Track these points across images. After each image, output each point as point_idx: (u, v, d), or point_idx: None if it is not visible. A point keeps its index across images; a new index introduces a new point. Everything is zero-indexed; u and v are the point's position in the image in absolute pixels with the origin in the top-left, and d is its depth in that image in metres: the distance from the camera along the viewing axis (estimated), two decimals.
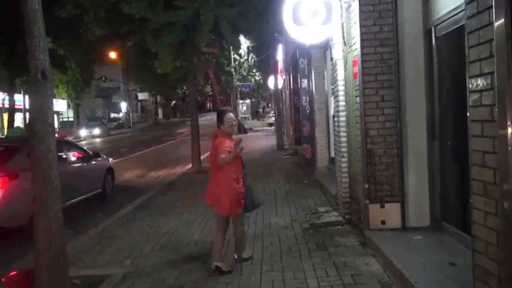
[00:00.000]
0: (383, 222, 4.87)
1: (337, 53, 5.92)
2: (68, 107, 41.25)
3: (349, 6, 5.34)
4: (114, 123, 46.78)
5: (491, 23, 2.27)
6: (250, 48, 25.74)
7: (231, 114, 4.50)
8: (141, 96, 55.48)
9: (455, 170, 4.35)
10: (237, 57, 25.77)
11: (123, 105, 51.56)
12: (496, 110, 2.28)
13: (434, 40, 4.56)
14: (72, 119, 40.80)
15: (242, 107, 37.31)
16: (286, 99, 18.50)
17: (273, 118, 24.88)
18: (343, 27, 5.60)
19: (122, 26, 10.74)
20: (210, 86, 30.27)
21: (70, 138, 34.22)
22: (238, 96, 32.73)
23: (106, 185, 9.28)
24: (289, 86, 16.25)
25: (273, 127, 24.38)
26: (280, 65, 18.14)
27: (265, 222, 6.25)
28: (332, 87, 6.74)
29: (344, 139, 6.04)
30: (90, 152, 9.24)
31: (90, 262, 4.99)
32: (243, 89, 32.47)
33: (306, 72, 9.96)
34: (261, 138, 23.63)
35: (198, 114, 13.71)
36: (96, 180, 8.90)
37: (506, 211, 2.24)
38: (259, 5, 10.57)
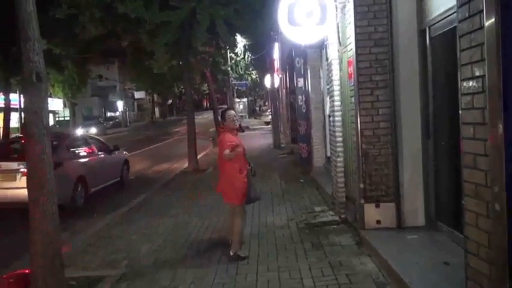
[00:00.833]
0: (378, 222, 4.90)
1: (332, 53, 5.94)
2: (64, 106, 41.06)
3: (344, 6, 5.36)
4: (111, 122, 46.63)
5: (482, 27, 2.30)
6: (246, 47, 25.69)
7: (232, 111, 5.03)
8: (138, 95, 55.31)
9: (450, 169, 4.38)
10: (233, 56, 25.72)
11: (120, 104, 51.41)
12: (487, 112, 2.30)
13: (429, 40, 4.59)
14: (68, 118, 40.64)
15: (239, 105, 37.37)
16: (283, 98, 18.52)
17: (270, 117, 24.89)
18: (338, 28, 5.63)
19: (118, 26, 10.71)
20: (206, 85, 30.21)
21: None
22: (235, 94, 32.72)
23: (123, 175, 10.54)
24: (286, 84, 16.27)
25: (269, 126, 24.40)
26: (277, 64, 18.14)
27: (262, 222, 6.27)
28: (327, 87, 6.76)
29: (339, 139, 6.07)
30: (110, 146, 10.37)
31: (87, 263, 5.00)
32: (239, 88, 32.45)
33: (302, 72, 9.98)
34: (257, 136, 23.64)
35: (195, 112, 13.71)
36: (115, 170, 10.18)
37: (497, 213, 2.27)
38: (255, 3, 10.56)
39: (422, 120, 4.79)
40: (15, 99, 27.55)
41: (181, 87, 39.47)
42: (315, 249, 4.86)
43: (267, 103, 49.84)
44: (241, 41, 22.23)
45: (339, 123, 6.06)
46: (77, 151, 8.79)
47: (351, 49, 5.05)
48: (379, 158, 4.89)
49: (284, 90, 17.56)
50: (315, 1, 5.41)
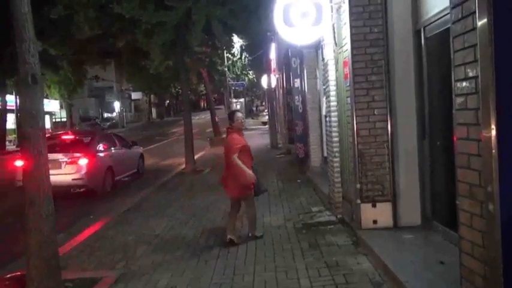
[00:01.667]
0: (375, 222, 4.92)
1: (328, 53, 5.96)
2: (61, 107, 40.94)
3: (340, 7, 5.37)
4: (108, 123, 46.52)
5: (475, 28, 2.31)
6: (243, 47, 25.71)
7: (240, 113, 5.52)
8: (135, 95, 55.25)
9: (445, 169, 4.40)
10: (230, 56, 25.73)
11: (117, 105, 51.29)
12: (481, 113, 2.32)
13: (424, 41, 4.61)
14: (65, 119, 40.53)
15: (236, 105, 37.28)
16: (280, 98, 18.53)
17: (267, 117, 24.91)
18: (333, 28, 5.64)
19: (113, 26, 10.69)
20: (203, 85, 30.20)
21: None
22: (232, 95, 32.72)
23: (139, 167, 12.36)
24: (282, 85, 16.28)
25: (266, 126, 24.42)
26: (274, 64, 18.15)
27: (259, 222, 6.25)
28: (324, 87, 6.78)
29: (336, 139, 6.08)
30: (130, 142, 12.24)
31: (83, 264, 4.99)
32: (236, 88, 32.45)
33: (299, 72, 10.00)
34: (254, 137, 23.63)
35: (192, 113, 13.70)
36: (134, 163, 12.02)
37: (491, 213, 2.28)
38: (250, 4, 10.57)
39: (417, 120, 4.81)
40: (12, 100, 27.47)
41: (178, 87, 39.47)
42: (312, 249, 4.87)
43: (264, 103, 49.87)
44: (237, 42, 22.25)
45: (335, 124, 6.07)
46: (106, 146, 10.56)
47: (347, 49, 5.07)
48: (375, 158, 4.90)
49: (281, 91, 17.57)
50: (310, 2, 5.43)
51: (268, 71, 20.04)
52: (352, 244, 4.92)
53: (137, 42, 11.05)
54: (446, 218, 4.39)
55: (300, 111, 10.13)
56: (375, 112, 4.88)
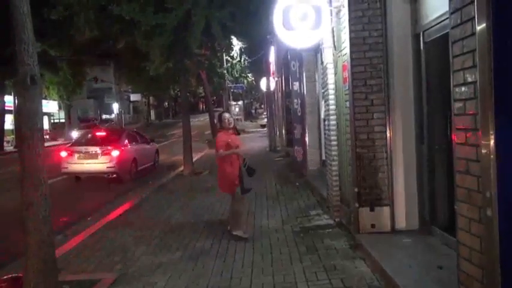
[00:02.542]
0: (373, 226, 4.92)
1: (328, 57, 5.97)
2: (59, 108, 40.87)
3: (339, 11, 5.38)
4: (106, 124, 46.43)
5: (474, 33, 2.32)
6: (242, 50, 25.73)
7: (227, 114, 5.83)
8: (134, 97, 55.23)
9: (444, 174, 4.41)
10: (229, 58, 25.75)
11: (115, 106, 51.22)
12: (479, 118, 2.32)
13: (423, 45, 4.62)
14: (63, 120, 40.45)
15: (235, 108, 37.35)
16: (279, 101, 18.54)
17: (266, 119, 24.93)
18: (333, 32, 5.65)
19: (113, 28, 10.69)
20: (202, 87, 30.22)
21: (61, 140, 34.09)
22: (231, 97, 32.73)
23: (155, 160, 14.30)
24: (281, 88, 16.30)
25: (265, 128, 24.43)
26: (273, 67, 18.17)
27: (257, 225, 6.27)
28: (323, 90, 6.78)
29: (334, 143, 6.08)
30: (148, 139, 14.37)
31: (81, 266, 4.97)
32: (235, 90, 32.48)
33: (298, 75, 10.00)
34: (253, 139, 23.64)
35: (191, 115, 13.70)
36: (151, 156, 13.95)
37: (489, 218, 2.28)
38: (251, 6, 10.59)
39: (416, 125, 4.82)
40: (10, 101, 27.42)
41: (177, 89, 39.45)
42: (310, 253, 4.87)
43: (262, 106, 49.92)
44: (237, 44, 22.27)
45: (334, 127, 6.07)
46: (131, 141, 12.59)
47: (346, 53, 5.08)
48: (373, 162, 4.91)
49: (280, 93, 17.58)
50: (309, 5, 5.43)
51: (267, 73, 20.05)
52: (350, 248, 4.91)
53: (137, 44, 11.04)
54: (445, 222, 4.39)
55: (299, 114, 10.13)
56: (374, 116, 4.88)
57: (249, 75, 30.75)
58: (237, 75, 28.70)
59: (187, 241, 5.67)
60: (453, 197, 2.74)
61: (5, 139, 27.65)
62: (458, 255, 2.69)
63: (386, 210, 4.88)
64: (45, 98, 33.03)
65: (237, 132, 6.35)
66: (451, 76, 2.62)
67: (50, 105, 37.95)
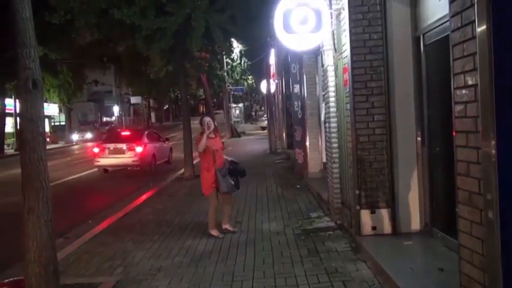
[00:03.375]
0: (374, 228, 4.92)
1: (328, 59, 5.98)
2: (60, 111, 40.94)
3: (339, 14, 5.40)
4: (107, 127, 46.48)
5: (474, 37, 2.33)
6: (243, 53, 25.79)
7: (207, 118, 6.10)
8: (134, 100, 55.24)
9: (445, 175, 4.41)
10: (229, 61, 25.80)
11: (116, 109, 51.28)
12: (480, 121, 2.33)
13: (423, 48, 4.64)
14: (64, 123, 40.51)
15: (235, 110, 37.36)
16: (279, 104, 18.56)
17: (266, 122, 24.95)
18: (333, 35, 5.67)
19: (113, 32, 10.70)
20: (202, 90, 30.27)
21: (62, 143, 34.09)
22: (231, 99, 32.76)
23: (169, 157, 16.00)
24: (282, 90, 16.33)
25: (265, 131, 24.44)
26: (273, 69, 18.20)
27: (258, 228, 6.27)
28: (323, 93, 6.79)
29: (335, 145, 6.09)
30: (164, 138, 16.17)
31: (81, 270, 4.97)
32: (235, 93, 32.50)
33: (298, 77, 10.02)
34: (253, 142, 23.66)
35: (191, 117, 13.71)
36: (166, 153, 15.73)
37: (490, 220, 2.29)
38: (250, 10, 10.61)
39: (417, 127, 4.83)
40: (11, 104, 27.47)
41: (178, 92, 39.49)
42: (311, 256, 4.86)
43: (263, 108, 49.94)
44: (237, 47, 22.31)
45: (335, 130, 6.08)
46: (151, 139, 14.57)
47: (346, 56, 5.09)
48: (374, 164, 4.91)
49: (280, 96, 17.61)
50: (310, 8, 5.45)
51: (267, 76, 20.08)
52: (351, 250, 4.91)
53: (137, 48, 11.05)
54: (446, 224, 4.39)
55: (299, 116, 10.15)
56: (374, 118, 4.89)
57: (249, 77, 30.80)
58: (237, 78, 28.76)
59: (187, 244, 5.67)
60: (454, 199, 2.75)
61: (5, 142, 27.67)
62: (460, 257, 2.69)
63: (387, 212, 4.88)
64: (46, 101, 33.05)
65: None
66: (452, 79, 2.63)
67: (51, 108, 38.04)
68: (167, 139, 16.42)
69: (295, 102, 10.25)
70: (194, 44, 10.10)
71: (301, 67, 9.64)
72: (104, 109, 51.92)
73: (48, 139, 30.39)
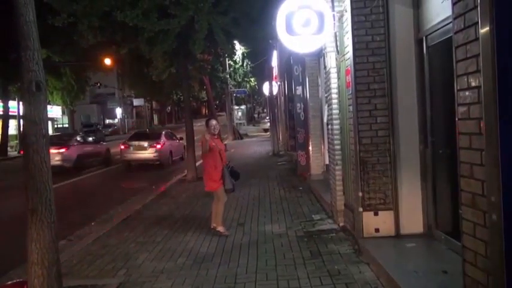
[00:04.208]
0: (377, 230, 4.90)
1: (330, 61, 5.98)
2: (63, 113, 41.07)
3: (342, 16, 5.40)
4: (109, 129, 46.59)
5: (477, 38, 2.32)
6: (245, 54, 25.81)
7: (213, 121, 6.35)
8: (136, 102, 55.33)
9: (448, 178, 4.39)
10: (232, 63, 25.83)
11: (118, 111, 51.43)
12: (483, 123, 2.32)
13: (426, 49, 4.63)
14: (67, 125, 40.63)
15: (237, 112, 37.37)
16: (281, 106, 18.56)
17: (268, 124, 24.94)
18: (336, 37, 5.66)
19: (116, 34, 10.73)
20: (205, 92, 30.29)
21: None
22: (234, 101, 32.77)
23: (183, 154, 17.42)
24: (284, 92, 16.32)
25: (268, 133, 24.44)
26: (275, 71, 18.20)
27: (260, 230, 6.27)
28: (326, 95, 6.79)
29: (338, 147, 6.08)
30: (178, 137, 18.12)
31: (84, 272, 4.98)
32: (238, 95, 32.52)
33: (301, 80, 10.02)
34: (256, 144, 23.65)
35: (193, 119, 13.74)
36: (180, 151, 17.76)
37: (494, 222, 2.28)
38: (253, 12, 10.62)
39: (420, 129, 4.81)
40: (14, 106, 27.57)
41: (180, 94, 39.54)
42: (314, 258, 4.86)
43: (265, 110, 49.93)
44: (239, 49, 22.34)
45: (337, 131, 6.08)
46: (168, 138, 16.89)
47: (349, 58, 5.09)
48: (377, 166, 4.90)
49: (282, 98, 17.60)
50: (312, 11, 5.46)
51: (270, 78, 20.09)
52: (354, 253, 4.90)
53: (140, 50, 11.06)
54: (449, 226, 4.38)
55: (302, 118, 10.14)
56: (377, 120, 4.88)
57: (252, 79, 30.81)
58: (239, 80, 28.77)
59: (190, 246, 5.67)
60: (457, 201, 2.74)
61: (9, 144, 27.76)
62: (463, 259, 2.68)
63: (390, 214, 4.87)
64: (49, 103, 33.18)
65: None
66: (455, 81, 2.63)
67: (54, 111, 38.16)
68: (181, 138, 17.52)
69: (298, 104, 10.24)
70: (197, 46, 10.11)
71: (304, 69, 9.64)
72: (106, 111, 52.07)
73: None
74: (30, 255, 3.76)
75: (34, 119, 3.76)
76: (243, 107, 40.84)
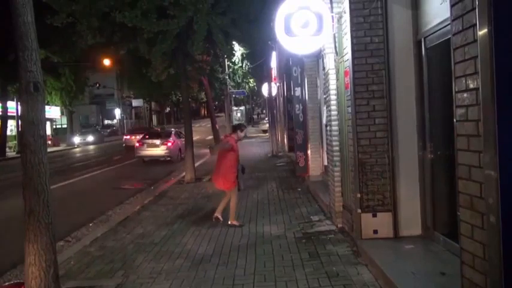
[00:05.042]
0: (375, 231, 4.90)
1: (329, 63, 5.98)
2: (62, 114, 41.02)
3: (341, 17, 5.40)
4: (108, 130, 46.57)
5: (475, 40, 2.32)
6: (244, 55, 25.80)
7: (246, 128, 7.37)
8: (135, 102, 55.30)
9: (446, 179, 4.39)
10: (230, 64, 25.80)
11: (117, 112, 51.38)
12: (481, 125, 2.32)
13: (424, 51, 4.63)
14: (65, 126, 40.58)
15: (236, 113, 37.38)
16: (280, 107, 18.57)
17: (267, 125, 24.95)
18: (334, 38, 5.66)
19: (115, 35, 10.73)
20: (204, 93, 30.27)
21: (63, 146, 34.13)
22: (233, 102, 32.76)
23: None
24: (283, 93, 16.33)
25: (267, 134, 24.43)
26: (274, 73, 18.21)
27: (259, 231, 6.26)
28: (324, 96, 6.79)
29: (336, 148, 6.08)
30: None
31: (82, 273, 4.97)
32: (237, 96, 32.52)
33: (299, 81, 10.01)
34: (255, 145, 23.65)
35: (192, 120, 13.74)
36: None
37: (492, 224, 2.28)
38: (252, 13, 10.63)
39: (418, 130, 4.82)
40: (13, 107, 27.53)
41: (179, 95, 39.53)
42: (312, 259, 4.85)
43: (264, 111, 49.95)
44: (238, 50, 22.33)
45: (336, 133, 6.07)
46: (177, 136, 18.60)
47: (348, 59, 5.09)
48: (375, 167, 4.90)
49: (281, 99, 17.61)
50: (311, 12, 5.46)
51: (268, 79, 20.10)
52: (353, 254, 4.90)
53: (139, 51, 11.06)
54: (447, 228, 4.37)
55: (301, 120, 10.13)
56: (376, 122, 4.88)
57: (251, 80, 30.80)
58: (238, 81, 28.76)
59: (188, 248, 5.66)
60: (456, 203, 2.73)
61: (7, 145, 27.72)
62: (462, 261, 2.67)
63: (388, 216, 4.87)
64: (48, 104, 33.17)
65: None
66: (453, 82, 2.63)
67: (53, 111, 38.10)
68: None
69: (297, 106, 10.23)
70: (196, 47, 10.11)
71: (303, 70, 9.64)
72: (105, 112, 52.04)
73: (49, 142, 30.51)
74: (28, 256, 3.76)
75: (32, 120, 3.76)
76: (242, 108, 40.86)
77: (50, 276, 3.82)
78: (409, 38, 4.79)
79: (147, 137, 18.59)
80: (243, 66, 27.69)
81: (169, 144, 17.67)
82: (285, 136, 16.83)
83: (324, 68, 6.39)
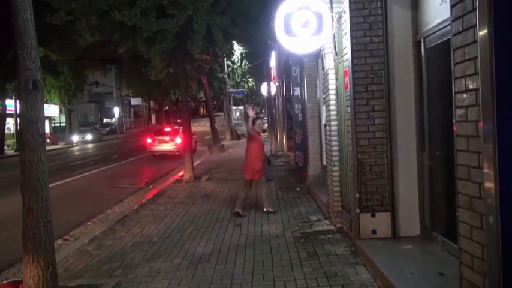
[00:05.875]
0: (374, 232, 4.90)
1: (329, 63, 5.98)
2: (60, 112, 40.97)
3: (340, 17, 5.40)
4: (107, 129, 46.52)
5: (475, 41, 2.33)
6: (243, 55, 25.81)
7: (259, 120, 7.67)
8: (134, 101, 55.32)
9: (445, 179, 4.40)
10: (230, 63, 25.82)
11: (116, 111, 51.33)
12: (481, 125, 2.32)
13: (424, 51, 4.63)
14: (64, 124, 40.53)
15: (235, 112, 37.34)
16: (279, 106, 18.57)
17: (266, 124, 24.96)
18: (334, 38, 5.66)
19: (114, 33, 10.71)
20: (203, 92, 30.27)
21: (62, 144, 34.09)
22: (232, 102, 32.76)
23: (195, 148, 19.35)
24: (282, 93, 16.32)
25: (266, 133, 24.44)
26: (274, 72, 18.20)
27: (257, 231, 6.26)
28: (324, 96, 6.79)
29: (335, 148, 6.08)
30: (193, 133, 17.98)
31: (80, 272, 4.96)
32: (236, 95, 32.51)
33: (299, 80, 10.02)
34: None
35: (191, 119, 13.73)
36: (194, 145, 19.21)
37: (491, 225, 2.28)
38: (252, 12, 10.61)
39: (417, 131, 4.82)
40: (11, 105, 27.50)
41: (178, 94, 39.50)
42: (311, 259, 4.85)
43: (263, 110, 49.88)
44: (238, 49, 22.34)
45: (335, 133, 6.08)
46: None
47: (347, 59, 5.09)
48: (374, 167, 4.90)
49: (281, 99, 17.60)
50: (311, 12, 5.46)
51: (268, 78, 20.10)
52: (351, 254, 4.90)
53: (138, 50, 11.04)
54: (446, 228, 4.38)
55: (300, 119, 10.14)
56: (375, 122, 4.88)
57: (250, 80, 30.81)
58: (238, 80, 28.76)
59: (187, 247, 5.66)
60: (454, 203, 2.74)
61: (6, 143, 27.68)
62: (460, 262, 2.68)
63: (387, 216, 4.87)
64: (47, 102, 33.11)
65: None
66: (453, 83, 2.63)
67: (51, 109, 38.05)
68: (194, 134, 19.49)
69: (296, 105, 10.24)
70: (195, 46, 10.10)
71: (302, 70, 9.64)
72: (104, 110, 51.96)
73: (48, 140, 30.47)
74: (26, 255, 3.75)
75: (31, 118, 3.75)
76: (241, 107, 40.79)
77: (48, 274, 3.81)
78: (408, 39, 4.80)
79: (157, 133, 20.02)
80: (242, 65, 27.70)
81: (179, 140, 18.69)
82: (284, 136, 16.83)
83: (323, 68, 6.39)
